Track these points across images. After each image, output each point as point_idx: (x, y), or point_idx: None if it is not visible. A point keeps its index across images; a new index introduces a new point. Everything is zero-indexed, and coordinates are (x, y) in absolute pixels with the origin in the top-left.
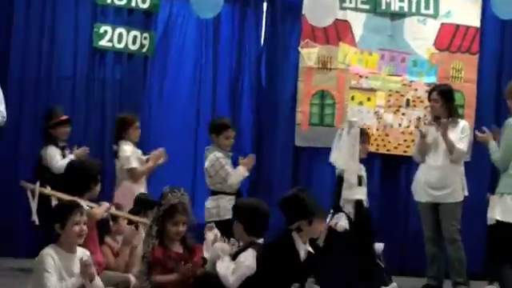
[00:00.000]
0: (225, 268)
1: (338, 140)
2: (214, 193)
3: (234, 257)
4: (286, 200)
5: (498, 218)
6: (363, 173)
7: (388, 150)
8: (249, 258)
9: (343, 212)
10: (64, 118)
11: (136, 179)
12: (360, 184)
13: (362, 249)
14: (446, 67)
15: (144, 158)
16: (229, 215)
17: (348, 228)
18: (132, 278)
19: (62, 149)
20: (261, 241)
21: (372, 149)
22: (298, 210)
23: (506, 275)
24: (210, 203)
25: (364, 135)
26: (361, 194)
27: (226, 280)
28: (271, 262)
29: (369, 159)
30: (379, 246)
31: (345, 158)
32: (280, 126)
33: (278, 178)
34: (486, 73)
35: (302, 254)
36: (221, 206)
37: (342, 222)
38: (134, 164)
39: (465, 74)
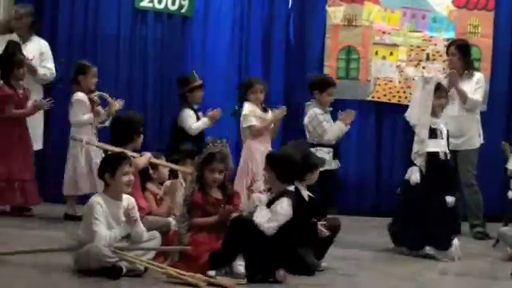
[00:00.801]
0: (261, 217)
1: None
2: (313, 145)
3: (268, 204)
4: (289, 155)
5: None
6: (441, 126)
7: (410, 101)
8: (284, 207)
9: (416, 165)
10: (199, 83)
11: (256, 136)
12: (435, 137)
13: (434, 201)
14: (464, 23)
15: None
16: (327, 166)
17: (419, 181)
18: (173, 222)
19: (196, 111)
20: (292, 188)
21: (394, 100)
22: (305, 163)
23: None
24: None
25: (441, 90)
26: (434, 146)
27: (263, 227)
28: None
29: (392, 110)
30: (450, 199)
31: (417, 113)
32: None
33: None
34: (502, 28)
35: (306, 198)
36: None
37: (413, 176)
38: (253, 122)
39: (481, 30)
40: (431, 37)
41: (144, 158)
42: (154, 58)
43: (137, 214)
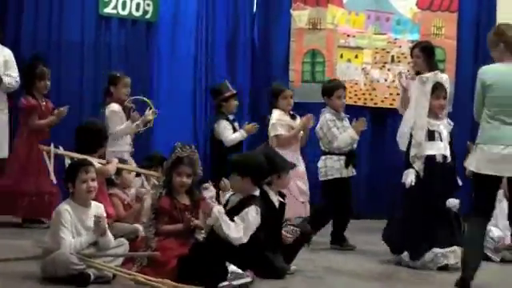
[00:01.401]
0: (235, 231)
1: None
2: (324, 153)
3: (231, 211)
4: (255, 158)
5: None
6: (441, 128)
7: (375, 104)
8: (254, 216)
9: (413, 168)
10: (232, 92)
11: (284, 145)
12: (433, 139)
13: (429, 205)
14: (428, 25)
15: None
16: (336, 175)
17: (413, 184)
18: (141, 228)
19: (232, 122)
20: (257, 193)
21: (360, 103)
22: (269, 166)
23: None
24: (320, 163)
25: (439, 89)
26: (432, 149)
27: (239, 240)
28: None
29: (357, 112)
30: (453, 202)
31: (412, 115)
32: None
33: None
34: (465, 29)
35: (276, 204)
36: (328, 166)
37: (408, 179)
38: (280, 131)
39: (445, 31)
40: (396, 39)
41: (113, 165)
42: (118, 65)
43: (106, 225)
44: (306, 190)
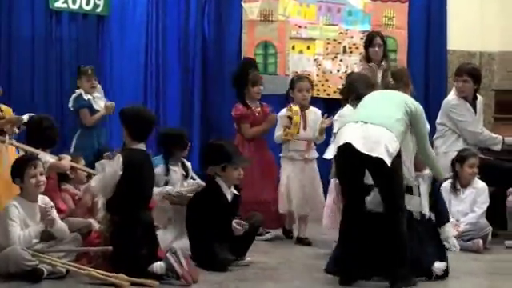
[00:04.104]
0: (94, 180)
1: None
2: None
3: None
4: (203, 148)
5: None
6: (420, 181)
7: (328, 95)
8: (114, 167)
9: None
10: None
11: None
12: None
13: None
14: (379, 15)
15: None
16: None
17: None
18: (94, 223)
19: None
20: (142, 146)
21: (314, 94)
22: (212, 157)
23: None
24: None
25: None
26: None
27: (94, 189)
28: (203, 205)
29: (311, 103)
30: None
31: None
32: (227, 76)
33: (228, 123)
34: (416, 19)
35: (229, 197)
36: None
37: None
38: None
39: (396, 22)
40: (347, 30)
41: (67, 160)
42: (70, 59)
43: (54, 213)
44: None
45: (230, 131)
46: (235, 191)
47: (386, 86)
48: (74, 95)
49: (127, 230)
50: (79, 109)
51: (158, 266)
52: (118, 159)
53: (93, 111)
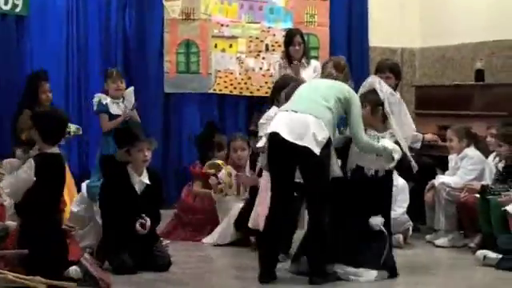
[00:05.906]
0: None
1: None
2: None
3: None
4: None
5: None
6: None
7: (251, 93)
8: (25, 171)
9: None
10: None
11: None
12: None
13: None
14: (301, 13)
15: None
16: None
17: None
18: (12, 226)
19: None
20: (55, 149)
21: (236, 92)
22: (117, 141)
23: None
24: None
25: None
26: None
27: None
28: (109, 195)
29: (234, 101)
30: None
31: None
32: (150, 75)
33: (150, 122)
34: (338, 16)
35: (137, 188)
36: None
37: None
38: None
39: (318, 19)
40: (269, 27)
41: None
42: None
43: None
44: None
45: (154, 124)
46: (147, 181)
47: (326, 77)
48: (95, 99)
49: (37, 233)
50: (98, 113)
51: (74, 270)
52: (31, 164)
53: (111, 116)
